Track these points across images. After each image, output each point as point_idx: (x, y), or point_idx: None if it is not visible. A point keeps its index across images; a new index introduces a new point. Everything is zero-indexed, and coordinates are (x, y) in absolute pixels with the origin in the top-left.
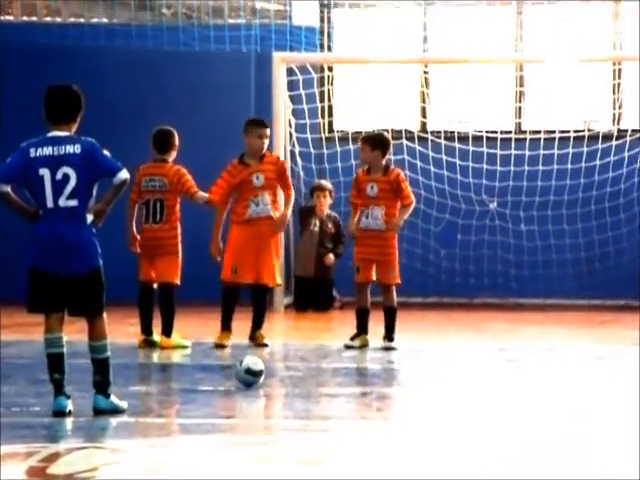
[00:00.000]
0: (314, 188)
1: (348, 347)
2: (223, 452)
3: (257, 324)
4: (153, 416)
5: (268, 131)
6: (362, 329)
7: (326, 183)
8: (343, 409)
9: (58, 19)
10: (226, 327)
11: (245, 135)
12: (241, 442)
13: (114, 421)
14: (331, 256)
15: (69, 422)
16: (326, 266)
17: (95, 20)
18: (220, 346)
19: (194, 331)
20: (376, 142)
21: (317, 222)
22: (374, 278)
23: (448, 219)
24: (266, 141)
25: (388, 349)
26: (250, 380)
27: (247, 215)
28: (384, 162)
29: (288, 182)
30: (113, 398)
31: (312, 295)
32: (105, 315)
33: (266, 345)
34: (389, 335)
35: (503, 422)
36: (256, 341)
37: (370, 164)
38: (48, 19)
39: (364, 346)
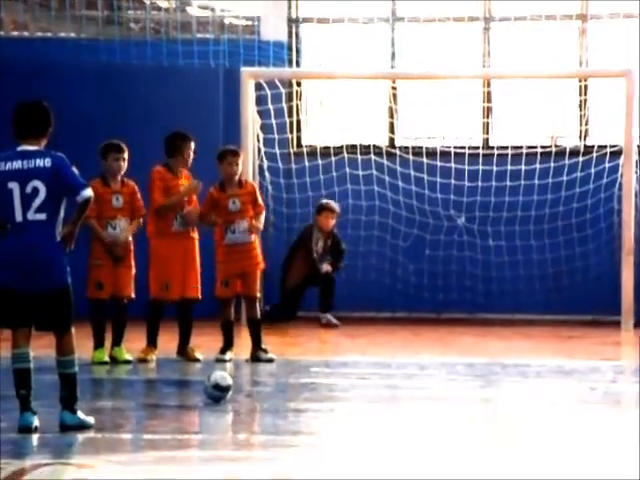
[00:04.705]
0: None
1: (219, 361)
2: (191, 468)
3: (186, 339)
4: (120, 432)
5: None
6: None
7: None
8: (311, 424)
9: (25, 33)
10: (153, 342)
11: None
12: (209, 458)
13: (81, 437)
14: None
15: (35, 438)
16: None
17: (63, 35)
18: (143, 360)
19: (162, 346)
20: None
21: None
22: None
23: (416, 234)
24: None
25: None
26: (218, 395)
27: (173, 228)
28: None
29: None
30: (80, 414)
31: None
32: (73, 330)
33: (198, 360)
34: (260, 346)
35: (473, 437)
36: (188, 356)
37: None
38: (15, 33)
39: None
